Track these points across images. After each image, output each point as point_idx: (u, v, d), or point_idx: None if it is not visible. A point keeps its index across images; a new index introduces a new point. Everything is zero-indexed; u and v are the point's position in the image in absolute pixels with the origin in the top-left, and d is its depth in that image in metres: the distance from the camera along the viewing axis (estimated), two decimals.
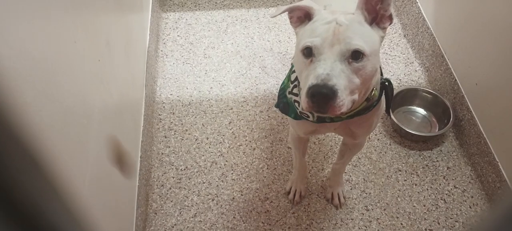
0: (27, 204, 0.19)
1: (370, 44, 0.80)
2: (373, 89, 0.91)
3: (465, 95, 1.59)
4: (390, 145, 1.63)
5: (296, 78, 0.94)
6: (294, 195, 1.47)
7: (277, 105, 1.06)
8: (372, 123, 1.05)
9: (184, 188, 1.52)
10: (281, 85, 1.06)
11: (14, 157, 0.18)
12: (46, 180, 0.20)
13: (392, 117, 1.62)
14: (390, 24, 0.85)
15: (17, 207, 0.18)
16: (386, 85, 0.95)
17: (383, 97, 0.98)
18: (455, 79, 1.64)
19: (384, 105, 1.01)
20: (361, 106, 0.92)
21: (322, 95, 0.74)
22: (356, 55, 0.78)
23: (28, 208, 0.19)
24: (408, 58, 1.94)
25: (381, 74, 0.97)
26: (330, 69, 0.76)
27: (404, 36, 2.04)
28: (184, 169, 1.57)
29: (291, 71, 1.01)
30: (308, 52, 0.80)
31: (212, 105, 1.76)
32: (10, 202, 0.18)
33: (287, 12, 0.89)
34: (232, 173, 1.55)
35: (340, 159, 1.35)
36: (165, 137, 1.67)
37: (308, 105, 0.77)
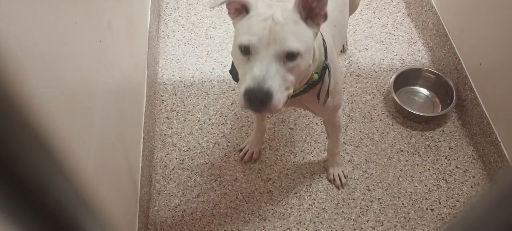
0: (34, 183, 0.19)
1: (304, 43, 0.84)
2: (311, 74, 0.96)
3: (468, 75, 1.58)
4: (392, 125, 1.63)
5: None
6: (245, 154, 1.52)
7: (231, 71, 1.09)
8: (320, 100, 1.07)
9: (187, 168, 1.53)
10: None
11: (20, 139, 0.18)
12: (51, 159, 0.21)
13: (395, 97, 1.62)
14: (324, 21, 0.88)
15: (24, 187, 0.19)
16: (326, 68, 0.99)
17: (328, 76, 1.01)
18: (459, 59, 1.63)
19: (331, 83, 1.03)
20: (301, 89, 0.98)
21: (259, 99, 0.80)
22: (290, 55, 0.82)
23: (35, 188, 0.19)
24: (412, 38, 1.93)
25: (326, 57, 1.00)
26: (266, 71, 0.80)
27: (408, 15, 2.02)
28: (187, 150, 1.58)
29: None
30: (245, 50, 0.83)
31: (214, 86, 1.76)
32: (18, 183, 0.18)
33: (224, 4, 0.90)
34: (234, 154, 1.56)
35: (328, 137, 1.42)
36: (168, 118, 1.67)
37: (245, 106, 0.82)
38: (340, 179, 1.47)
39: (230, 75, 1.15)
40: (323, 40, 1.00)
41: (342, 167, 1.49)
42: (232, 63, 1.11)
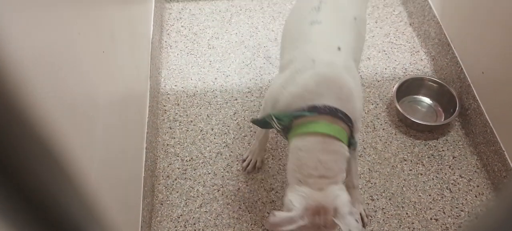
0: (38, 191, 0.19)
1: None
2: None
3: (471, 84, 1.57)
4: (395, 134, 1.63)
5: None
6: (248, 164, 1.51)
7: (257, 123, 1.17)
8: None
9: (190, 178, 1.53)
10: (263, 118, 1.14)
11: (26, 146, 0.18)
12: (56, 168, 0.21)
13: (398, 106, 1.62)
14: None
15: (29, 195, 0.19)
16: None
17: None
18: (461, 68, 1.63)
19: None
20: None
21: None
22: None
23: (39, 197, 0.19)
24: (414, 47, 1.93)
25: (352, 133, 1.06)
26: None
27: (410, 24, 2.02)
28: (190, 160, 1.57)
29: (274, 118, 1.08)
30: None
31: (216, 96, 1.76)
32: (22, 191, 0.18)
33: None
34: (237, 164, 1.55)
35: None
36: (170, 128, 1.67)
37: None
38: (362, 219, 1.36)
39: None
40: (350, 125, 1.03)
41: (363, 204, 1.41)
42: (261, 119, 1.14)
